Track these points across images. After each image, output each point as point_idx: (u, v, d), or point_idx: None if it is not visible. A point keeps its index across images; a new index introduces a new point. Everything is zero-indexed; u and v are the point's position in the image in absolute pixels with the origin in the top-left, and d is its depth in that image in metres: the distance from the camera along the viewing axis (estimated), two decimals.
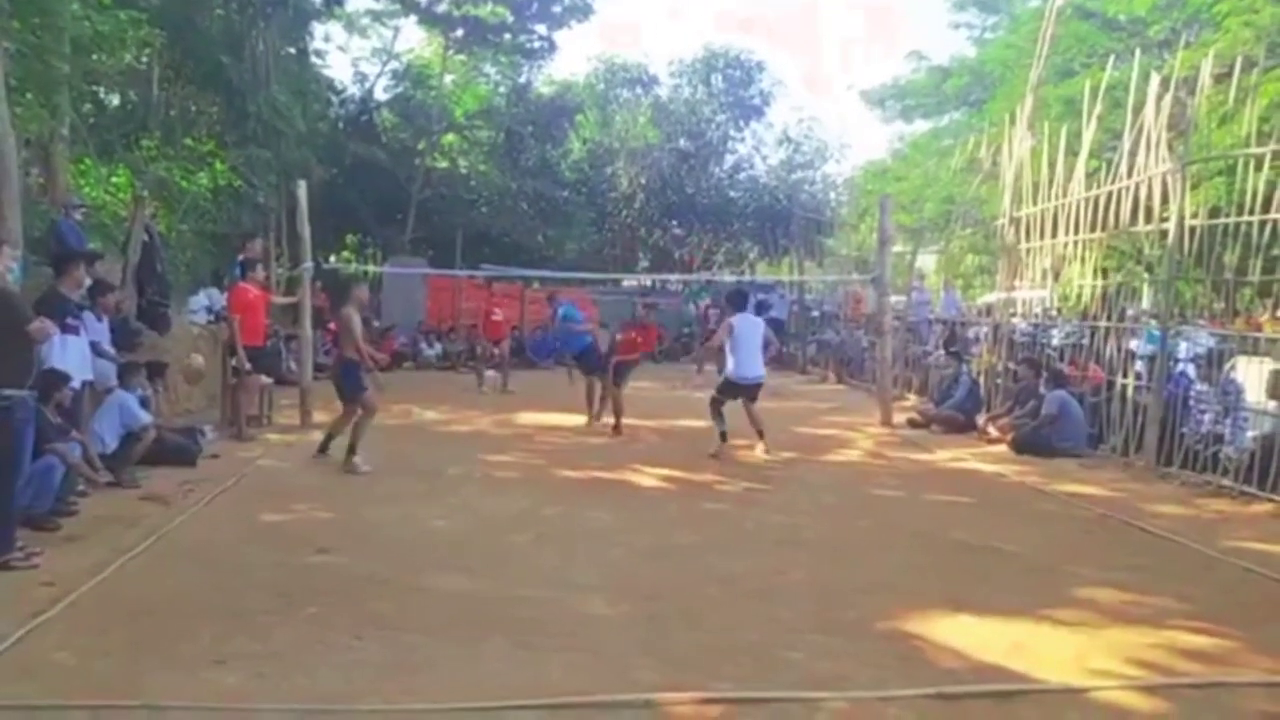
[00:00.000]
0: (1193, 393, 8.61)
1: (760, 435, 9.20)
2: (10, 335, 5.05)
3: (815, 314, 20.84)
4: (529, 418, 11.52)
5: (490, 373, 14.87)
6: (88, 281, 7.69)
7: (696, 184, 26.90)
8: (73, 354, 6.90)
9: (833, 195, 28.75)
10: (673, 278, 24.99)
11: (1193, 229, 8.48)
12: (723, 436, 9.15)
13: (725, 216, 27.47)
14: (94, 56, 10.77)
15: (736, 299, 10.04)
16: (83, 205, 10.19)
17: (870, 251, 16.03)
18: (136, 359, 8.26)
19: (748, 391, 9.28)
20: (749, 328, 9.33)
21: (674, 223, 28.20)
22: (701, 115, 27.89)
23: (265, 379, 10.38)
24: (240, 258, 10.35)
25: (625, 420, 10.47)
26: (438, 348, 19.44)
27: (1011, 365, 11.04)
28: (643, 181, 26.96)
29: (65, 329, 6.73)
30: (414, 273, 20.28)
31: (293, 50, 18.92)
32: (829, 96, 69.64)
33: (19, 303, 5.24)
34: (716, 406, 9.32)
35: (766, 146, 29.95)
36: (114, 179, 13.26)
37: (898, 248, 15.55)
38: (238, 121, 15.87)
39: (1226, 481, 7.57)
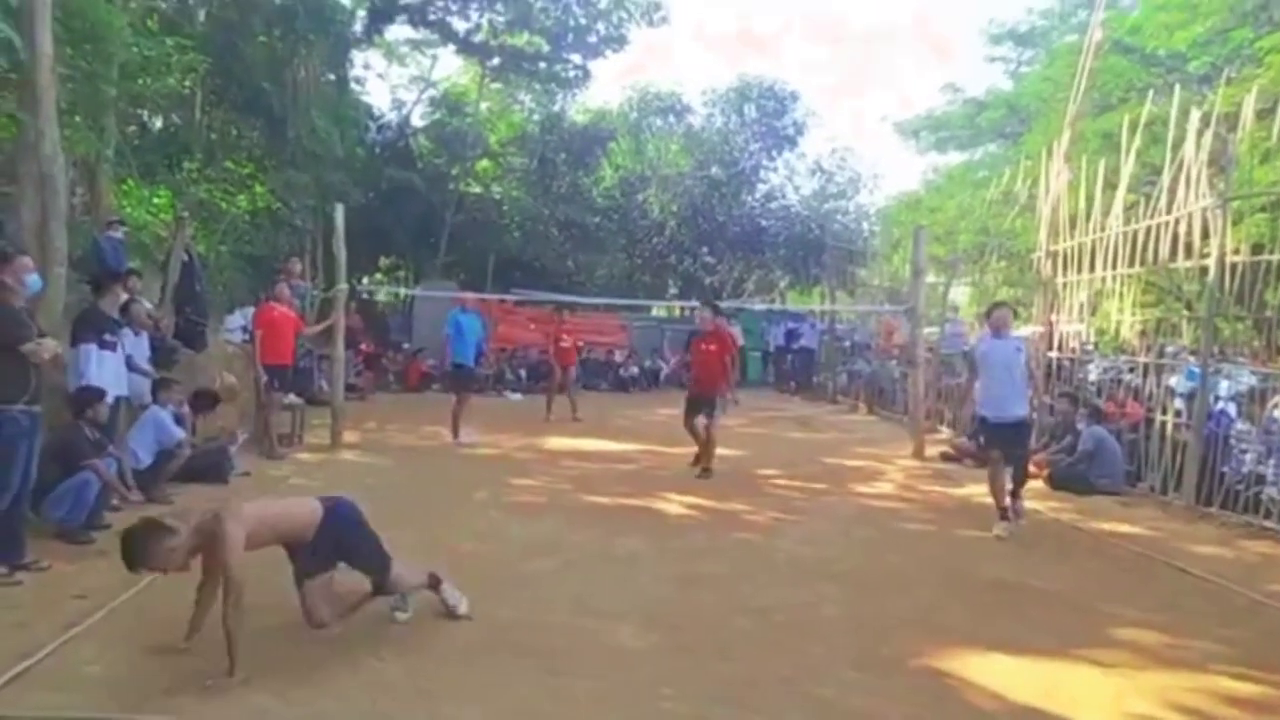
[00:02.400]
0: (1234, 432, 8.43)
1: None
2: (5, 351, 5.06)
3: (846, 344, 20.73)
4: (556, 442, 11.51)
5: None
6: (124, 297, 7.84)
7: (728, 212, 26.92)
8: (109, 370, 6.99)
9: (865, 225, 28.64)
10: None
11: (1234, 266, 8.36)
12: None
13: (756, 245, 27.44)
14: (140, 81, 11.00)
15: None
16: (123, 224, 10.39)
17: (903, 282, 15.94)
18: (172, 376, 8.36)
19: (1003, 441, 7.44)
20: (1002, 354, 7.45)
21: (705, 250, 28.22)
22: (734, 144, 27.96)
23: (295, 398, 10.49)
24: (281, 278, 10.52)
25: (660, 448, 10.36)
26: None
27: (1048, 399, 10.88)
28: (674, 209, 27.04)
29: (103, 345, 6.84)
30: (444, 295, 20.43)
31: (333, 77, 19.25)
32: (862, 128, 69.58)
33: (17, 319, 5.21)
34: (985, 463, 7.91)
35: (799, 176, 29.95)
36: (156, 200, 13.50)
37: (931, 279, 15.45)
38: (277, 146, 16.16)
39: (1269, 523, 7.39)
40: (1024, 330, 13.39)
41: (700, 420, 9.41)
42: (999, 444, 7.34)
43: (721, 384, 9.42)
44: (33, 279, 5.41)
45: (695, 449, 9.71)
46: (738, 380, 10.67)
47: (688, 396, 9.74)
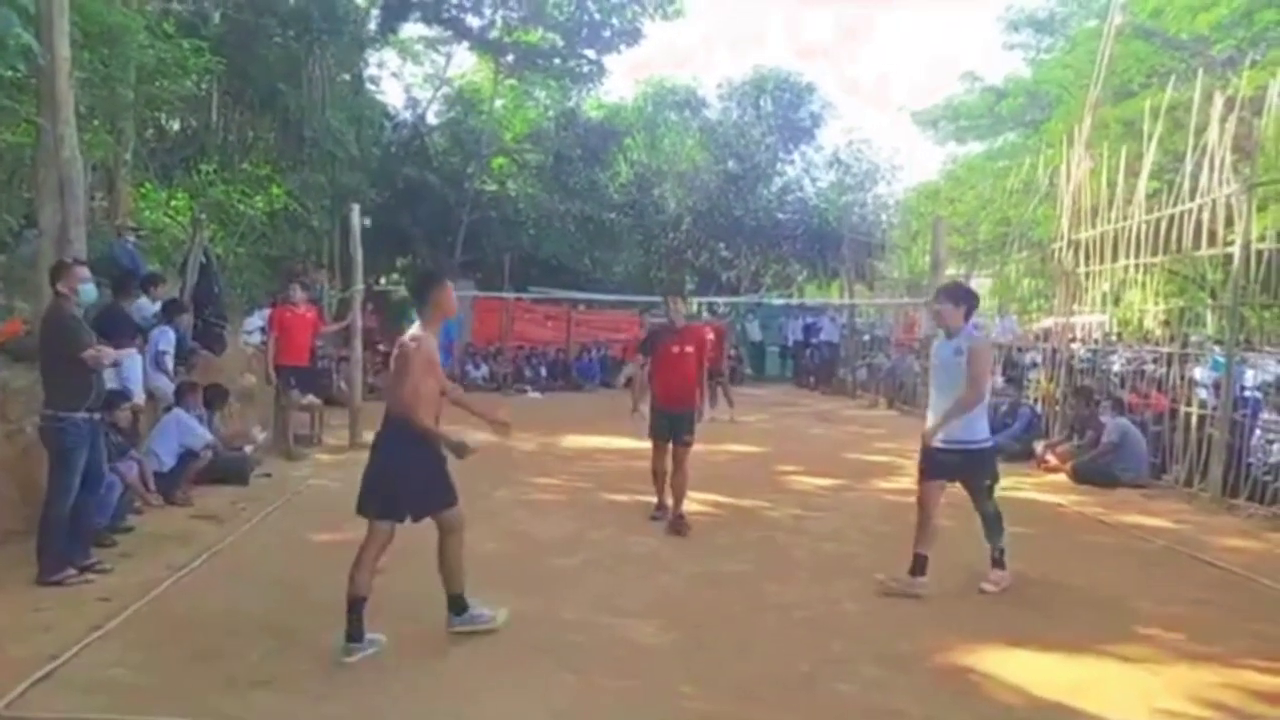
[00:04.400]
0: (1260, 422, 8.31)
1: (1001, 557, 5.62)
2: (69, 360, 5.16)
3: (866, 338, 20.61)
4: (574, 441, 11.51)
5: None
6: (144, 301, 7.90)
7: (744, 206, 26.84)
8: (128, 373, 7.04)
9: (884, 217, 28.48)
10: (720, 300, 24.91)
11: (1259, 253, 8.22)
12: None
13: (774, 239, 27.36)
14: (157, 84, 11.04)
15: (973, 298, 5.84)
16: (137, 228, 10.49)
17: (922, 275, 15.81)
18: (192, 379, 8.41)
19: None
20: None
21: (721, 245, 28.15)
22: (750, 137, 27.87)
23: (314, 399, 10.55)
24: (302, 280, 10.62)
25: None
26: (484, 369, 19.58)
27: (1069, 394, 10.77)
28: (690, 204, 27.00)
29: (123, 347, 6.88)
30: (463, 295, 20.50)
31: (348, 77, 19.29)
32: (881, 117, 69.12)
33: (78, 328, 5.34)
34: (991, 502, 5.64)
35: (816, 169, 29.85)
36: (174, 202, 13.58)
37: (951, 271, 15.31)
38: (294, 146, 16.22)
39: None
40: (1046, 322, 13.26)
41: (672, 453, 7.02)
42: (940, 476, 5.54)
43: (698, 398, 7.27)
44: (88, 288, 5.51)
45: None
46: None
47: (653, 418, 7.04)
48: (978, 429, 5.47)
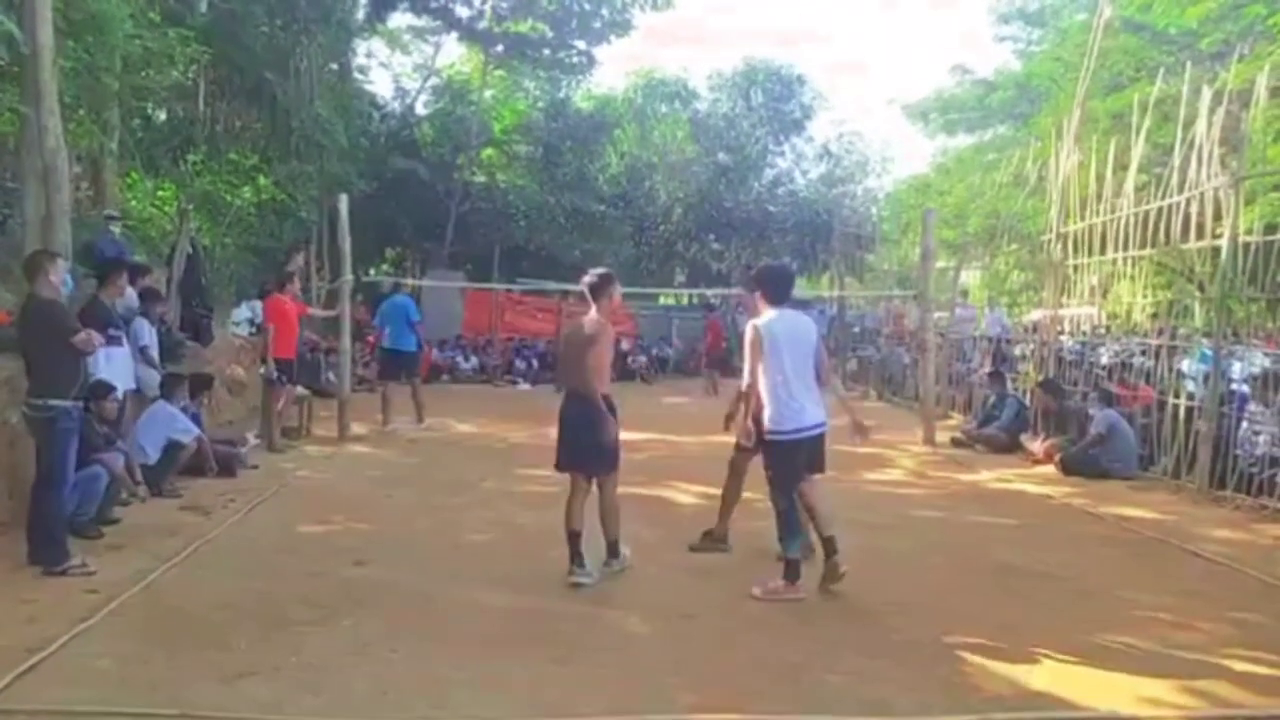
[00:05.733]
0: (1247, 414, 8.35)
1: (828, 546, 5.10)
2: (57, 347, 5.15)
3: (856, 330, 20.65)
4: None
5: None
6: (131, 291, 7.83)
7: (735, 198, 26.82)
8: (116, 364, 7.00)
9: (874, 210, 28.53)
10: (710, 292, 24.90)
11: (1247, 246, 8.26)
12: (796, 570, 5.12)
13: (764, 231, 27.35)
14: (144, 73, 10.95)
15: (772, 281, 5.49)
16: (119, 218, 10.40)
17: (912, 267, 15.85)
18: (180, 370, 8.36)
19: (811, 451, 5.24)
20: (794, 340, 5.21)
21: (711, 237, 28.13)
22: (740, 129, 27.85)
23: (303, 390, 10.49)
24: (288, 269, 10.50)
25: (670, 436, 10.31)
26: (474, 361, 19.54)
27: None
28: (680, 196, 26.97)
29: (109, 340, 6.83)
30: (451, 286, 20.45)
31: (336, 67, 19.18)
32: (871, 110, 69.15)
33: (66, 315, 5.35)
34: (780, 498, 5.20)
35: (806, 161, 29.86)
36: (160, 193, 13.51)
37: (941, 263, 15.36)
38: (281, 137, 16.09)
39: None
40: (1035, 314, 13.31)
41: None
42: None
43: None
44: (67, 279, 5.51)
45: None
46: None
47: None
48: (768, 416, 5.16)
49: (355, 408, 11.02)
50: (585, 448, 5.19)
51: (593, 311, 5.28)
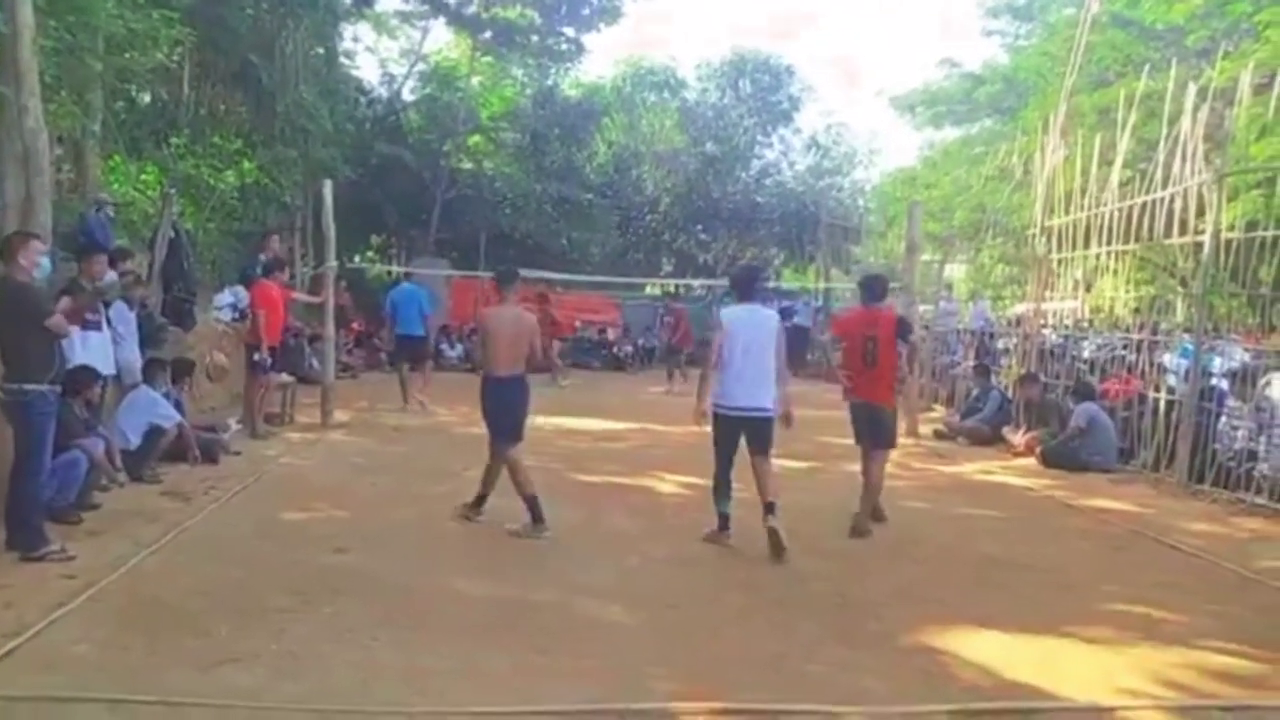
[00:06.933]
0: (1226, 409, 8.43)
1: (768, 508, 5.68)
2: (31, 330, 5.09)
3: None
4: (547, 421, 11.46)
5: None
6: (111, 275, 7.75)
7: (722, 189, 26.78)
8: (94, 349, 6.93)
9: (861, 202, 28.56)
10: (696, 283, 24.91)
11: (1228, 242, 8.32)
12: (724, 522, 5.94)
13: (751, 222, 27.33)
14: (127, 55, 10.82)
15: (737, 280, 6.50)
16: (112, 202, 10.29)
17: (898, 260, 15.88)
18: (161, 356, 8.29)
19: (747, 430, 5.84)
20: (751, 328, 5.84)
21: (699, 227, 28.09)
22: (729, 119, 27.78)
23: (286, 377, 10.42)
24: (261, 256, 10.41)
25: (653, 425, 10.34)
26: (459, 349, 19.46)
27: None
28: (668, 185, 26.90)
29: (86, 325, 6.75)
30: (437, 274, 20.34)
31: (321, 51, 18.97)
32: (858, 102, 69.06)
33: (39, 298, 5.29)
34: (716, 461, 5.98)
35: (794, 152, 29.83)
36: (143, 176, 13.37)
37: (926, 256, 15.40)
38: (266, 121, 15.94)
39: (1261, 500, 7.40)
40: (1019, 308, 13.37)
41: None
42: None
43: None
44: (44, 261, 5.44)
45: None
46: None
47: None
48: (714, 391, 6.00)
49: (338, 394, 10.97)
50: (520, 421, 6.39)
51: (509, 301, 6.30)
